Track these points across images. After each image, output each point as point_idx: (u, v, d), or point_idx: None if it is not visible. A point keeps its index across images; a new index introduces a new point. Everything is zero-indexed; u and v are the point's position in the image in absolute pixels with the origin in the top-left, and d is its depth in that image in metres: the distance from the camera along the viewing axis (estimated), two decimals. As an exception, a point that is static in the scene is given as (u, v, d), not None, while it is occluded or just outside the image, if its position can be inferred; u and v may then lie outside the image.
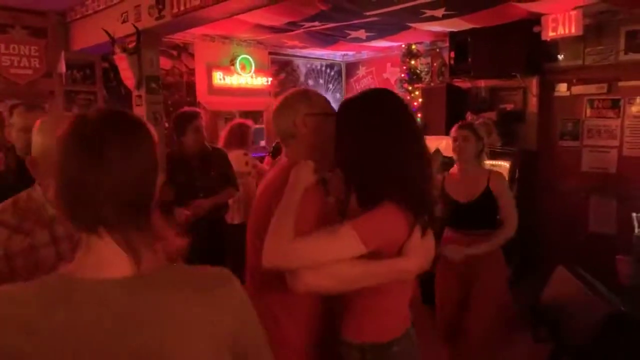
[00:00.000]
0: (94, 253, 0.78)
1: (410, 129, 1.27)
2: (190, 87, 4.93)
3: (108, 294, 0.75)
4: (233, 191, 3.35)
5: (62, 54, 4.11)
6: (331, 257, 1.15)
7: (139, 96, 3.56)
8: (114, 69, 3.89)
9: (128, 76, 3.55)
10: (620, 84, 4.05)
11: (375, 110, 1.25)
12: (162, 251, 0.84)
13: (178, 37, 4.69)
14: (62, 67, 4.12)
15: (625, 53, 3.98)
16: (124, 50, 3.49)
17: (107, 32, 3.52)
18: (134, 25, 3.36)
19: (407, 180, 1.21)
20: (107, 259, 0.78)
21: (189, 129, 3.15)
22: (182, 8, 3.05)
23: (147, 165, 0.82)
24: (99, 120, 0.81)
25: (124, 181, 0.78)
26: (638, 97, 3.98)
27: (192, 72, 4.94)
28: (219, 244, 3.23)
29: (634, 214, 3.16)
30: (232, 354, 0.82)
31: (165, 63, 4.62)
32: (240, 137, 3.92)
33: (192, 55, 4.93)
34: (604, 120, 4.17)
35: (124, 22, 3.51)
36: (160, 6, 3.21)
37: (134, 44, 3.43)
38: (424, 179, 1.25)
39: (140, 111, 3.56)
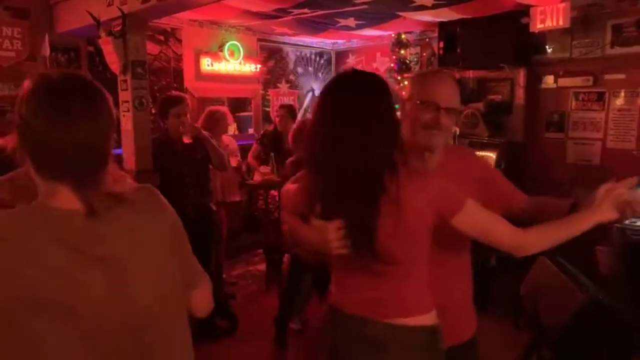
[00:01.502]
0: (58, 194, 0.89)
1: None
2: (178, 73, 4.87)
3: (76, 217, 0.87)
4: (225, 156, 3.47)
5: (46, 36, 4.02)
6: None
7: (125, 81, 3.51)
8: (100, 52, 3.83)
9: (113, 60, 3.49)
10: (606, 77, 4.09)
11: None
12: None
13: (165, 22, 4.62)
14: (46, 50, 4.04)
15: (611, 46, 4.02)
16: (110, 33, 3.43)
17: (92, 14, 3.46)
18: (120, 9, 3.30)
19: None
20: (69, 198, 0.88)
21: (171, 113, 3.17)
22: (168, -9, 3.00)
23: (106, 123, 0.93)
24: (63, 80, 0.90)
25: (86, 136, 0.88)
26: (622, 90, 4.03)
27: (179, 57, 4.88)
28: (206, 230, 3.24)
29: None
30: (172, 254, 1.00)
31: (152, 48, 4.56)
32: (215, 123, 3.96)
33: (179, 41, 4.87)
34: (589, 112, 4.21)
35: (109, 5, 3.44)
36: (146, -11, 3.15)
37: (119, 27, 3.37)
38: None
39: (125, 96, 3.51)
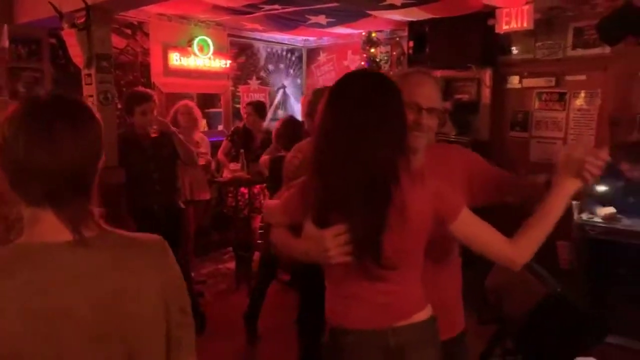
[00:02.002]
0: (42, 223, 0.84)
1: None
2: (145, 68, 4.76)
3: (63, 253, 0.83)
4: (188, 170, 3.50)
5: (5, 27, 3.86)
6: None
7: (89, 75, 3.41)
8: (62, 45, 3.70)
9: (77, 53, 3.38)
10: (567, 78, 4.24)
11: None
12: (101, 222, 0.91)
13: (132, 15, 4.50)
14: (5, 42, 3.88)
15: (573, 48, 4.17)
16: (73, 25, 3.32)
17: (54, 5, 3.34)
18: (83, 0, 3.20)
19: None
20: (53, 227, 0.84)
21: (136, 110, 3.11)
22: (134, -16, 2.93)
23: (92, 149, 0.89)
24: (50, 104, 0.87)
25: (70, 162, 0.84)
26: (583, 91, 4.18)
27: (147, 52, 4.77)
28: (174, 228, 3.19)
29: (573, 202, 3.34)
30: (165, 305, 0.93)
31: (118, 42, 4.44)
32: (183, 118, 3.96)
33: (147, 35, 4.76)
34: (551, 112, 4.36)
35: (72, -5, 3.34)
36: (112, -19, 3.07)
37: (83, 19, 3.26)
38: None
39: (89, 90, 3.41)
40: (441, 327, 1.34)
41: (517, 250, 1.25)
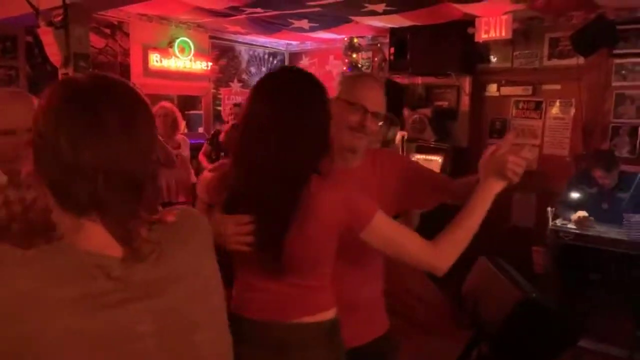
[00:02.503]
0: (86, 233, 0.71)
1: None
2: (125, 69, 4.70)
3: (113, 265, 0.70)
4: (166, 171, 3.44)
5: (-21, 23, 3.78)
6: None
7: (66, 74, 3.35)
8: (39, 43, 3.63)
9: (53, 52, 3.32)
10: (543, 87, 4.34)
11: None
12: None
13: (112, 15, 4.44)
14: (-21, 38, 3.79)
15: (549, 58, 4.27)
16: (50, 23, 3.26)
17: (30, 2, 3.27)
18: (61, -2, 3.15)
19: None
20: (102, 238, 0.70)
21: None
22: (114, -17, 2.89)
23: (146, 144, 0.74)
24: (93, 86, 0.72)
25: (123, 160, 0.70)
26: (558, 100, 4.29)
27: (126, 52, 4.71)
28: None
29: (549, 208, 3.41)
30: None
31: (97, 41, 4.37)
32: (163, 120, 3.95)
33: (127, 35, 4.70)
34: (528, 120, 4.45)
35: (49, -7, 3.28)
36: (91, -21, 3.03)
37: (60, 17, 3.21)
38: None
39: (66, 90, 3.35)
40: (366, 327, 1.39)
41: (438, 254, 1.21)
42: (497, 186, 1.23)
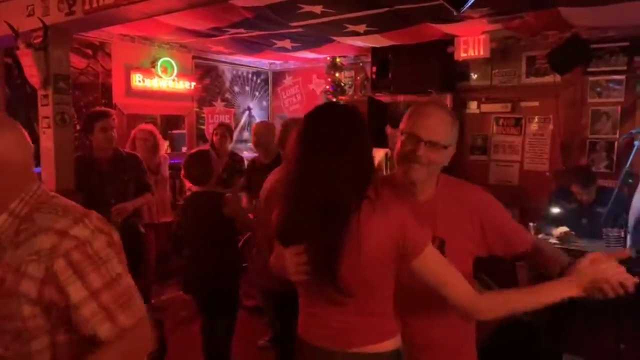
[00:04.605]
0: None
1: None
2: (106, 89, 4.67)
3: None
4: (149, 196, 3.37)
5: (-43, 45, 3.73)
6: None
7: (45, 95, 3.31)
8: (19, 65, 3.59)
9: (33, 73, 3.28)
10: (522, 104, 4.43)
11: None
12: None
13: (94, 35, 4.43)
14: (-44, 60, 3.74)
15: (527, 76, 4.37)
16: (29, 45, 3.23)
17: (10, 25, 3.25)
18: (41, 20, 3.12)
19: None
20: None
21: (96, 127, 3.05)
22: (94, 5, 2.88)
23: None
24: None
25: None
26: (536, 117, 4.37)
27: (108, 72, 4.68)
28: (136, 249, 3.13)
29: (530, 224, 3.44)
30: None
31: (78, 62, 4.35)
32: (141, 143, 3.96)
33: (109, 55, 4.68)
34: (508, 136, 4.53)
35: (29, 15, 3.25)
36: (71, 1, 3.01)
37: (40, 39, 3.18)
38: None
39: (46, 111, 3.30)
40: None
41: (480, 306, 1.24)
42: (575, 292, 1.25)
